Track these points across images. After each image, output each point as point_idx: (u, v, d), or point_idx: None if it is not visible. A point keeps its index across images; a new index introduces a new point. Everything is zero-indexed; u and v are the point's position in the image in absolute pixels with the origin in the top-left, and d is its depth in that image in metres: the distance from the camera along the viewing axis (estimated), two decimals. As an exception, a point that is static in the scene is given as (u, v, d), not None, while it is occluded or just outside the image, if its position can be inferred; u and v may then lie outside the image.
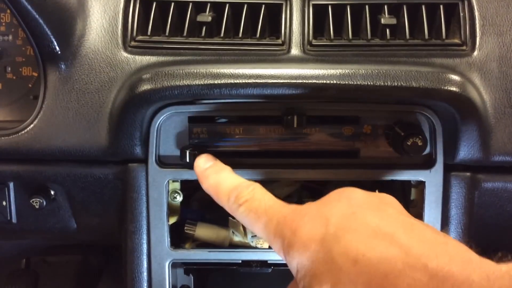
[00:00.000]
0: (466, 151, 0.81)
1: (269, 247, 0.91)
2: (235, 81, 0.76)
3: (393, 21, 0.84)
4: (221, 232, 0.92)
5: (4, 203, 0.90)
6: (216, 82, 0.76)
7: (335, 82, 0.75)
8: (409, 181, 0.87)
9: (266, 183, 0.93)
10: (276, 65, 0.79)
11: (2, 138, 0.84)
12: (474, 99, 0.77)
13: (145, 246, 0.87)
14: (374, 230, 0.51)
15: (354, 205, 0.57)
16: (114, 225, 0.92)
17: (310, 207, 0.59)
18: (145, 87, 0.77)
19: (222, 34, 0.86)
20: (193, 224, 0.92)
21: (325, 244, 0.52)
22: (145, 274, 0.88)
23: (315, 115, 0.83)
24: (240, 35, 0.86)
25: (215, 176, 0.73)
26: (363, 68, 0.76)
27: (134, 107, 0.79)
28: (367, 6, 0.85)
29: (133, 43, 0.85)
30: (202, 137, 0.84)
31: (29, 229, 0.95)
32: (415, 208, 0.87)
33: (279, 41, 0.86)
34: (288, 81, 0.75)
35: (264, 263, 0.90)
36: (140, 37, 0.86)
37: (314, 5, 0.87)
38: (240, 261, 0.90)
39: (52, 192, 0.90)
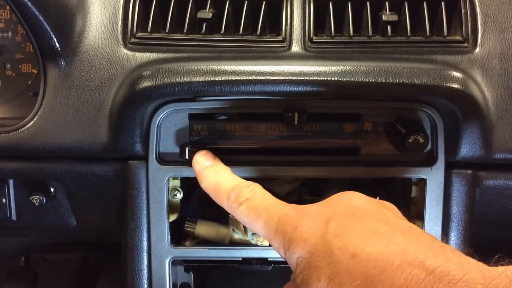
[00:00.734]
0: (467, 148, 0.80)
1: (270, 245, 0.91)
2: (236, 78, 0.75)
3: (395, 17, 0.84)
4: (221, 230, 0.92)
5: (3, 200, 0.90)
6: (216, 79, 0.75)
7: (336, 79, 0.75)
8: (410, 179, 0.87)
9: (266, 181, 0.94)
10: (277, 62, 0.79)
11: (2, 135, 0.84)
12: (475, 96, 0.77)
13: (145, 243, 0.87)
14: (374, 229, 0.52)
15: (355, 207, 0.58)
16: (114, 223, 0.92)
17: (311, 206, 0.60)
18: (146, 84, 0.77)
19: (222, 31, 0.85)
20: (193, 222, 0.92)
21: (325, 239, 0.53)
22: (145, 271, 0.88)
23: (316, 112, 0.83)
24: (241, 32, 0.86)
25: (215, 175, 0.73)
26: (364, 65, 0.76)
27: (134, 104, 0.79)
28: (368, 3, 0.85)
29: (133, 40, 0.85)
30: (203, 134, 0.84)
31: (29, 226, 0.94)
32: (416, 206, 0.87)
33: (280, 38, 0.85)
34: (289, 78, 0.75)
35: (264, 261, 0.90)
36: (140, 34, 0.85)
37: (315, 1, 0.87)
38: (240, 259, 0.90)
39: (52, 190, 0.90)
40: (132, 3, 0.86)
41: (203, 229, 0.92)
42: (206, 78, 0.75)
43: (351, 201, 0.60)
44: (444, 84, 0.75)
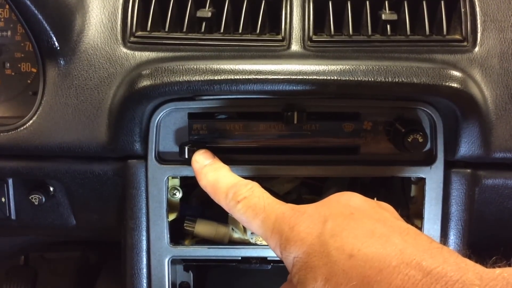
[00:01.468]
0: (466, 147, 0.80)
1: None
2: (235, 77, 0.75)
3: (394, 17, 0.84)
4: (220, 229, 0.92)
5: (3, 199, 0.90)
6: (216, 78, 0.75)
7: (335, 78, 0.75)
8: (409, 178, 0.87)
9: (266, 180, 0.94)
10: (276, 61, 0.79)
11: (1, 134, 0.83)
12: (475, 95, 0.77)
13: (144, 242, 0.87)
14: (371, 230, 0.53)
15: (352, 207, 0.58)
16: (113, 222, 0.91)
17: (309, 206, 0.60)
18: (145, 83, 0.77)
19: (222, 30, 0.85)
20: (192, 221, 0.92)
21: (322, 239, 0.53)
22: (144, 270, 0.88)
23: (316, 111, 0.83)
24: (240, 31, 0.85)
25: (213, 173, 0.73)
26: (364, 64, 0.76)
27: (133, 103, 0.79)
28: (367, 2, 0.85)
29: (132, 39, 0.85)
30: (202, 133, 0.84)
31: (28, 226, 0.94)
32: (415, 205, 0.87)
33: (279, 37, 0.85)
34: (288, 77, 0.75)
35: (263, 260, 0.90)
36: (139, 33, 0.85)
37: (314, 0, 0.86)
38: (240, 258, 0.90)
39: (51, 189, 0.90)
40: (131, 2, 0.86)
41: (203, 228, 0.92)
42: (205, 77, 0.75)
43: (349, 201, 0.60)
44: (444, 83, 0.75)
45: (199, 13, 0.85)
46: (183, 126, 0.84)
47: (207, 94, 0.80)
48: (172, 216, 0.89)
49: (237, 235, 0.92)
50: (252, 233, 0.91)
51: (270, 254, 0.89)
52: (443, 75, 0.76)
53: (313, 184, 0.98)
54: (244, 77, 0.75)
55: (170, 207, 0.88)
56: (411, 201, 0.88)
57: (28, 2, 0.77)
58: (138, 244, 0.87)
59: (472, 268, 0.45)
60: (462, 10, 0.84)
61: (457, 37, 0.84)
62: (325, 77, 0.75)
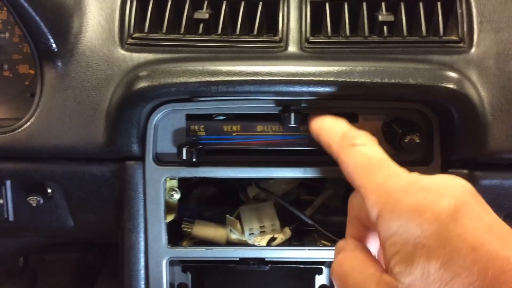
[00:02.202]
0: (463, 148, 0.80)
1: (267, 244, 0.91)
2: (232, 78, 0.75)
3: (391, 18, 0.84)
4: (218, 230, 0.92)
5: (0, 201, 0.90)
6: (213, 79, 0.75)
7: (332, 79, 0.75)
8: (406, 178, 0.87)
9: (264, 181, 0.94)
10: (274, 62, 0.79)
11: (-1, 135, 0.84)
12: (471, 96, 0.77)
13: (142, 244, 0.87)
14: (490, 226, 0.47)
15: (469, 193, 0.51)
16: (111, 223, 0.91)
17: (426, 176, 0.54)
18: (142, 84, 0.77)
19: (219, 31, 0.85)
20: (190, 222, 0.93)
21: (441, 220, 0.47)
22: (142, 272, 0.88)
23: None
24: (238, 32, 0.86)
25: (332, 118, 0.72)
26: (361, 65, 0.76)
27: (131, 105, 0.79)
28: (364, 3, 0.85)
29: (130, 41, 0.85)
30: (200, 134, 0.84)
31: (26, 227, 0.94)
32: (413, 206, 0.87)
33: (277, 38, 0.85)
34: (285, 78, 0.75)
35: (261, 261, 0.90)
36: (137, 34, 0.85)
37: (311, 2, 0.87)
38: (238, 259, 0.90)
39: (49, 190, 0.90)
40: (129, 4, 0.86)
41: (201, 229, 0.92)
42: (202, 78, 0.75)
43: (465, 184, 0.53)
44: (440, 84, 0.75)
45: (197, 15, 0.85)
46: (181, 128, 0.84)
47: (204, 96, 0.80)
48: (170, 217, 0.89)
49: (235, 236, 0.92)
50: (250, 234, 0.91)
51: (268, 255, 0.89)
52: (440, 76, 0.76)
53: (311, 185, 0.98)
54: (241, 78, 0.75)
55: (168, 208, 0.88)
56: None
57: (26, 4, 0.77)
58: (136, 246, 0.87)
59: None
60: (459, 11, 0.84)
61: (454, 38, 0.84)
62: (322, 78, 0.75)
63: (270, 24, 0.88)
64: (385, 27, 0.84)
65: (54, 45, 0.82)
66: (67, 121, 0.82)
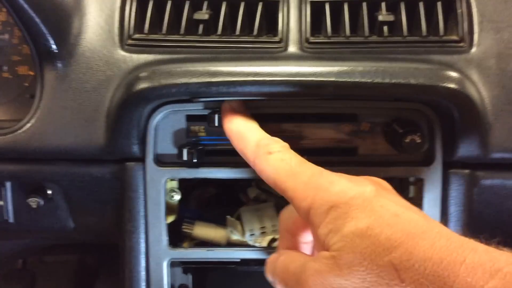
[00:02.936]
0: (464, 148, 0.80)
1: (268, 246, 0.91)
2: (233, 79, 0.75)
3: (391, 18, 0.84)
4: (219, 231, 0.92)
5: (1, 202, 0.89)
6: (213, 80, 0.75)
7: (332, 79, 0.75)
8: (407, 179, 0.87)
9: (264, 182, 0.94)
10: (274, 62, 0.79)
11: (-1, 137, 0.83)
12: (472, 96, 0.77)
13: (143, 245, 0.87)
14: (408, 205, 0.55)
15: (384, 185, 0.60)
16: (112, 225, 0.91)
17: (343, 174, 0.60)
18: (142, 85, 0.77)
19: (219, 32, 0.85)
20: (191, 223, 0.92)
21: (366, 196, 0.54)
22: (143, 273, 0.88)
23: (313, 112, 0.83)
24: (237, 32, 0.85)
25: (244, 122, 0.73)
26: (361, 65, 0.76)
27: (131, 106, 0.79)
28: (364, 3, 0.85)
29: (130, 42, 0.85)
30: (200, 135, 0.84)
31: (26, 229, 0.94)
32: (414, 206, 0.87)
33: (277, 39, 0.85)
34: (286, 78, 0.75)
35: (262, 262, 0.88)
36: (137, 35, 0.85)
37: (311, 2, 0.87)
38: (239, 260, 0.90)
39: (49, 192, 0.90)
40: (128, 5, 0.86)
41: (201, 230, 0.92)
42: (203, 79, 0.75)
43: (380, 182, 0.60)
44: (441, 84, 0.75)
45: (196, 16, 0.85)
46: (181, 128, 0.84)
47: (205, 96, 0.80)
48: (170, 219, 0.89)
49: (235, 237, 0.92)
50: (250, 235, 0.90)
51: (269, 256, 0.89)
52: (440, 75, 0.76)
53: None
54: (241, 79, 0.75)
55: (169, 209, 0.88)
56: (410, 202, 0.88)
57: (26, 5, 0.77)
58: (136, 247, 0.87)
59: (479, 242, 0.47)
60: (459, 11, 0.84)
61: (454, 37, 0.84)
62: (323, 79, 0.75)
63: (270, 24, 0.88)
64: (385, 27, 0.84)
65: (54, 46, 0.82)
66: (67, 123, 0.82)
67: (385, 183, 0.61)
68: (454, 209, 0.84)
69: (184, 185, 0.91)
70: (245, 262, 0.90)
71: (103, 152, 0.83)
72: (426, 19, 0.84)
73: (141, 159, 0.84)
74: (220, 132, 0.83)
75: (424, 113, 0.82)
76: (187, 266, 0.96)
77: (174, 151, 0.83)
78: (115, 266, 0.93)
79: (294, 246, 0.68)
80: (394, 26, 0.85)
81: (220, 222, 0.92)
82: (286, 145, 0.67)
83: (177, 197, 0.88)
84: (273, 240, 0.92)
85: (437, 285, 0.45)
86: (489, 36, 0.83)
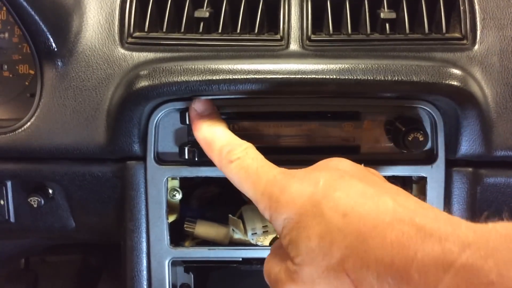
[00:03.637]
0: (467, 146, 0.80)
1: (270, 244, 0.90)
2: (234, 77, 0.75)
3: (393, 15, 0.84)
4: (221, 230, 0.91)
5: (1, 202, 0.89)
6: (214, 78, 0.75)
7: (334, 77, 0.74)
8: (410, 177, 0.87)
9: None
10: (275, 60, 0.78)
11: (-1, 136, 0.83)
12: (475, 93, 0.77)
13: (144, 244, 0.87)
14: (362, 191, 0.53)
15: (342, 171, 0.59)
16: (113, 224, 0.91)
17: (299, 170, 0.61)
18: (143, 83, 0.76)
19: (220, 30, 0.85)
20: (192, 222, 0.92)
21: (314, 199, 0.54)
22: (144, 272, 0.87)
23: (315, 110, 0.83)
24: (238, 30, 0.85)
25: (209, 128, 0.73)
26: (363, 63, 0.75)
27: (131, 104, 0.78)
28: (366, 1, 0.85)
29: (130, 40, 0.84)
30: None
31: (28, 228, 0.94)
32: (417, 204, 0.87)
33: (278, 37, 0.85)
34: (287, 76, 0.75)
35: (264, 261, 0.89)
36: (137, 34, 0.85)
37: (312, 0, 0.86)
38: (241, 259, 0.89)
39: (50, 191, 0.90)
40: (129, 3, 0.86)
41: (203, 229, 0.92)
42: (204, 77, 0.75)
43: (338, 165, 0.61)
44: (443, 82, 0.74)
45: (197, 13, 0.85)
46: (182, 127, 0.84)
47: (205, 94, 0.80)
48: (172, 218, 0.88)
49: (237, 236, 0.92)
50: (252, 234, 0.90)
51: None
52: (443, 73, 0.75)
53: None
54: (242, 76, 0.75)
55: (170, 208, 0.87)
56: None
57: (25, 4, 0.76)
58: (138, 246, 0.87)
59: (464, 223, 0.46)
60: (461, 8, 0.84)
61: (457, 35, 0.83)
62: (324, 76, 0.75)
63: (271, 22, 0.87)
64: (387, 25, 0.84)
65: (54, 45, 0.82)
66: (67, 121, 0.82)
67: (345, 162, 0.62)
68: (457, 208, 0.83)
69: (186, 184, 0.90)
70: (247, 261, 0.90)
71: (104, 151, 0.82)
72: (428, 17, 0.84)
73: (142, 158, 0.84)
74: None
75: (427, 111, 0.81)
76: (188, 265, 0.96)
77: (175, 149, 0.83)
78: (119, 266, 0.93)
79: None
80: (396, 24, 0.85)
81: (222, 221, 0.92)
82: (247, 147, 0.68)
83: (178, 196, 0.88)
84: (275, 239, 0.92)
85: None
86: (492, 33, 0.82)
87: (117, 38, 0.84)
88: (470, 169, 0.83)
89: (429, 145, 0.82)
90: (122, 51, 0.83)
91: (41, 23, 0.79)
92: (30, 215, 0.92)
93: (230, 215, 0.91)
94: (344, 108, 0.83)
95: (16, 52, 0.93)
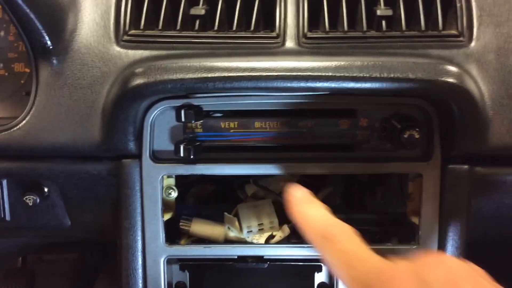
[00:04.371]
0: (463, 143, 0.80)
1: (266, 242, 0.90)
2: (229, 74, 0.75)
3: (389, 12, 0.84)
4: (216, 228, 0.91)
5: (-3, 200, 0.89)
6: (209, 75, 0.75)
7: (330, 74, 0.74)
8: (406, 174, 0.87)
9: (262, 178, 0.93)
10: (271, 58, 0.78)
11: (-5, 134, 0.83)
12: (471, 90, 0.76)
13: (139, 242, 0.86)
14: None
15: (453, 273, 0.53)
16: (109, 222, 0.91)
17: (407, 265, 0.55)
18: (138, 81, 0.76)
19: (215, 28, 0.85)
20: (188, 220, 0.92)
21: None
22: (140, 270, 0.87)
23: (311, 108, 0.83)
24: (234, 28, 0.85)
25: (308, 205, 0.69)
26: (359, 60, 0.75)
27: (127, 102, 0.78)
28: (362, -2, 0.85)
29: (125, 37, 0.84)
30: (197, 131, 0.84)
31: (23, 227, 0.94)
32: (413, 202, 0.87)
33: (274, 34, 0.85)
34: (283, 73, 0.74)
35: (260, 259, 0.89)
36: (132, 31, 0.85)
37: (309, -3, 0.86)
38: (236, 257, 0.89)
39: (46, 189, 0.89)
40: (124, 1, 0.86)
41: (198, 227, 0.91)
42: (199, 74, 0.75)
43: (449, 267, 0.54)
44: (439, 79, 0.74)
45: (193, 11, 0.85)
46: (178, 125, 0.83)
47: (201, 92, 0.80)
48: (167, 216, 0.88)
49: (233, 234, 0.91)
50: (248, 232, 0.90)
51: (266, 252, 0.88)
52: (439, 70, 0.75)
53: (310, 182, 0.98)
54: (238, 74, 0.75)
55: (166, 206, 0.87)
56: (408, 198, 0.88)
57: (20, 2, 0.76)
58: (133, 244, 0.86)
59: None
60: (458, 5, 0.84)
61: (453, 32, 0.83)
62: (320, 73, 0.74)
63: (267, 19, 0.87)
64: (383, 22, 0.84)
65: (49, 43, 0.81)
66: (62, 119, 0.82)
67: (455, 262, 0.55)
68: (453, 205, 0.83)
69: (182, 182, 0.90)
70: (242, 259, 0.89)
71: (99, 149, 0.82)
72: (424, 14, 0.84)
73: (137, 156, 0.84)
74: (216, 128, 0.83)
75: (423, 108, 0.81)
76: (184, 263, 0.95)
77: (171, 147, 0.83)
78: (115, 263, 0.92)
79: None
80: (393, 21, 0.84)
81: (218, 219, 0.92)
82: (348, 230, 0.63)
83: (174, 194, 0.88)
84: (271, 236, 0.92)
85: None
86: (488, 30, 0.82)
87: (112, 36, 0.84)
88: (466, 166, 0.83)
89: (425, 143, 0.82)
90: (118, 49, 0.83)
91: (36, 21, 0.79)
92: (25, 214, 0.91)
93: (225, 213, 0.91)
94: (340, 105, 0.83)
95: (11, 50, 0.92)
